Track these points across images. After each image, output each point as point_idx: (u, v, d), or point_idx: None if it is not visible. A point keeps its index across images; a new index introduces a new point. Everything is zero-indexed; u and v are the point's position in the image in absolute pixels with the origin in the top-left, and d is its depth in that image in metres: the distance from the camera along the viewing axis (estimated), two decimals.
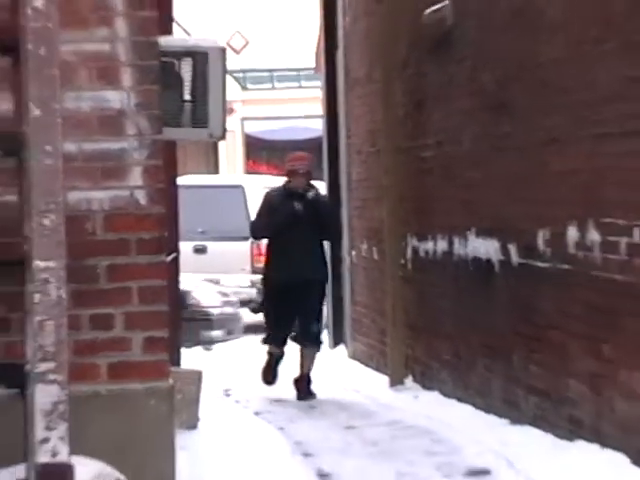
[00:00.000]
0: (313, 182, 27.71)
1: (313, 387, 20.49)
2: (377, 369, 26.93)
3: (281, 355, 20.84)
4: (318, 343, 18.43)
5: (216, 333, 36.26)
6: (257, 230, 22.26)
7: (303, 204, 18.63)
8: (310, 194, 19.69)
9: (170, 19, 14.23)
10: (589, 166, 14.76)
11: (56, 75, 6.78)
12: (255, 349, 30.20)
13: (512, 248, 18.16)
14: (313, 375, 23.88)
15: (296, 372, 21.56)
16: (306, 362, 18.44)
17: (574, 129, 16.23)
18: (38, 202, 6.40)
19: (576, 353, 16.06)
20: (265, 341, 20.01)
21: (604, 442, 12.84)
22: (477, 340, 19.79)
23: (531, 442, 17.36)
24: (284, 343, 20.17)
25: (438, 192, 23.41)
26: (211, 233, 30.53)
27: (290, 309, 18.62)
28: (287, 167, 20.27)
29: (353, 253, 31.25)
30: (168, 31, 13.61)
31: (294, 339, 19.81)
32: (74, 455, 6.04)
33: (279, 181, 38.10)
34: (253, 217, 35.98)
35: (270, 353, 20.05)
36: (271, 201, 19.54)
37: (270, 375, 19.82)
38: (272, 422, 21.05)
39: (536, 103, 18.68)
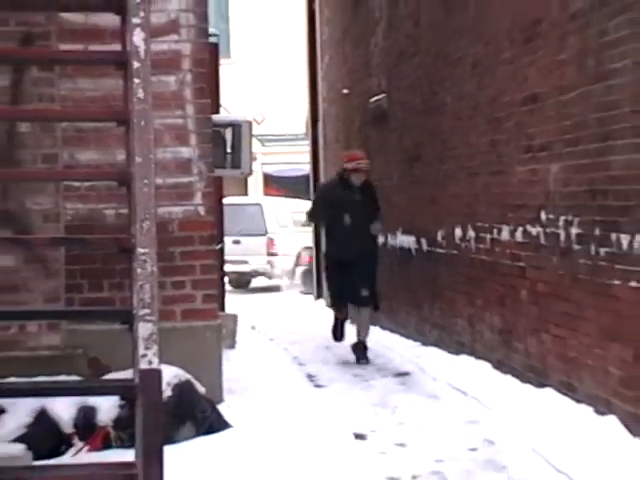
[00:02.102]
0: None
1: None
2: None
3: (344, 317, 17.22)
4: (369, 304, 15.40)
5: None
6: (317, 217, 18.35)
7: (360, 193, 15.77)
8: (365, 184, 16.34)
9: (218, 103, 14.15)
10: (467, 192, 14.98)
11: (151, 138, 6.79)
12: (269, 301, 30.41)
13: (423, 241, 18.16)
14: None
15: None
16: (362, 329, 15.19)
17: (459, 170, 15.70)
18: (140, 213, 6.47)
19: (460, 303, 16.18)
20: (332, 305, 16.67)
21: (477, 355, 12.74)
22: (402, 296, 19.40)
23: (434, 356, 17.06)
24: (345, 305, 16.64)
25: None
26: (242, 232, 30.40)
27: (350, 278, 15.62)
28: (351, 165, 16.22)
29: None
30: (217, 111, 13.59)
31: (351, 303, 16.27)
32: (162, 364, 6.06)
33: (284, 201, 37.21)
34: (270, 226, 35.60)
35: (336, 317, 16.82)
36: (329, 193, 16.64)
37: (339, 334, 16.75)
38: (280, 345, 20.26)
39: (437, 155, 17.59)
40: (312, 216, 18.36)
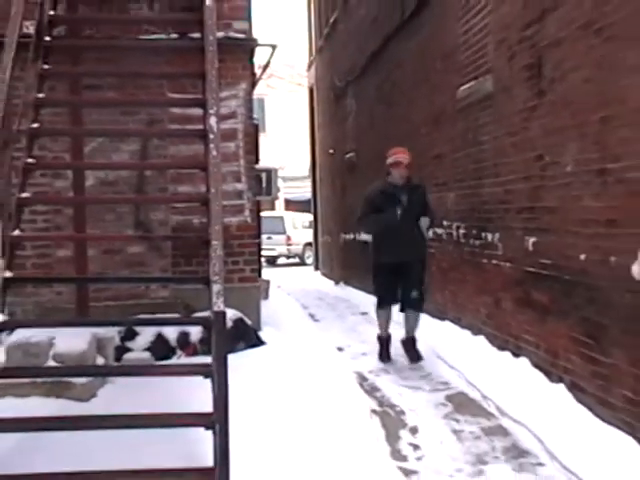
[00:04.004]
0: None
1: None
2: (330, 278, 23.34)
3: (387, 337, 11.66)
4: (419, 307, 11.21)
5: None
6: (368, 226, 12.35)
7: (407, 195, 10.90)
8: (411, 185, 11.26)
9: (258, 158, 13.77)
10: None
11: (220, 178, 6.63)
12: (287, 272, 29.50)
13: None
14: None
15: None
16: (410, 326, 11.02)
17: None
18: (213, 221, 6.35)
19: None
20: (379, 306, 11.83)
21: (455, 322, 11.70)
22: (360, 269, 16.89)
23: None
24: (391, 304, 11.77)
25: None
26: (271, 232, 30.42)
27: (397, 281, 11.32)
28: (390, 160, 11.42)
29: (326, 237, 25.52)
30: (257, 162, 13.26)
31: (400, 307, 11.69)
32: (226, 308, 5.92)
33: (296, 214, 36.88)
34: (288, 228, 35.08)
35: (379, 337, 11.69)
36: (372, 198, 11.32)
37: (385, 355, 11.34)
38: (293, 297, 19.02)
39: None
40: (362, 225, 12.20)
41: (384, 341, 10.92)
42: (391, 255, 10.46)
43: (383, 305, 11.01)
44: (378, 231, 10.80)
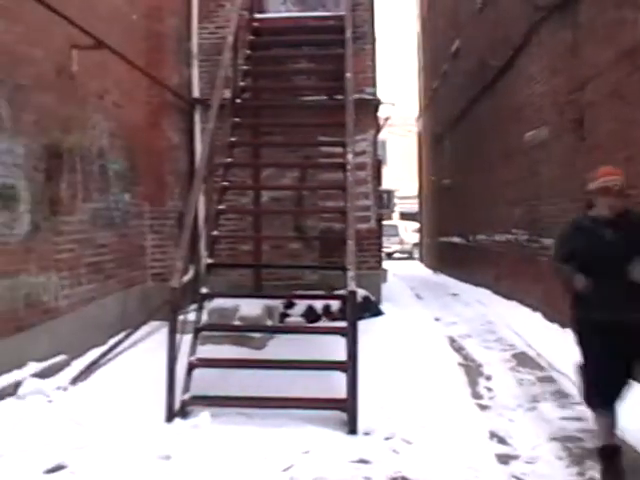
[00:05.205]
0: None
1: None
2: (430, 268, 19.78)
3: (615, 447, 4.37)
4: None
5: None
6: (562, 272, 4.56)
7: (616, 228, 4.24)
8: (629, 217, 4.35)
9: (381, 182, 13.67)
10: (478, 220, 12.91)
11: (354, 196, 6.57)
12: (401, 264, 27.41)
13: (463, 240, 16.69)
14: None
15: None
16: None
17: (477, 213, 15.26)
18: (349, 227, 6.36)
19: (480, 266, 14.24)
20: (587, 402, 4.50)
21: (486, 287, 11.18)
22: (455, 264, 16.02)
23: (468, 288, 15.48)
24: (613, 402, 4.36)
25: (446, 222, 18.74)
26: (389, 234, 29.46)
27: (619, 358, 4.27)
28: (595, 185, 4.41)
29: (427, 239, 22.98)
30: (380, 185, 13.17)
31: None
32: (357, 288, 5.85)
33: (407, 222, 35.91)
34: (401, 233, 34.30)
35: (602, 449, 4.36)
36: (569, 236, 4.55)
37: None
38: (404, 281, 17.43)
39: (468, 206, 15.68)
40: (555, 274, 4.79)
41: (609, 454, 4.54)
42: (599, 311, 4.34)
43: (599, 404, 4.56)
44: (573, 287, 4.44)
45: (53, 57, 7.42)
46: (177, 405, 5.79)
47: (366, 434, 5.47)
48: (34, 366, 6.57)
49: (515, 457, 5.07)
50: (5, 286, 6.36)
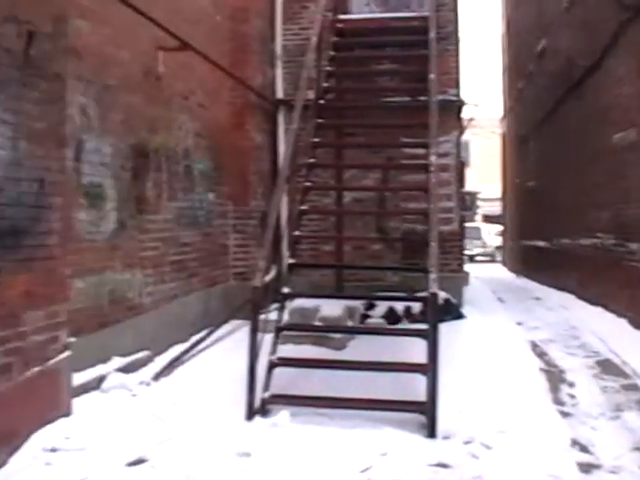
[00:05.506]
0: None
1: None
2: (513, 272, 19.53)
3: None
4: None
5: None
6: None
7: None
8: None
9: (464, 184, 13.64)
10: (562, 224, 12.68)
11: (437, 198, 6.51)
12: (483, 266, 26.87)
13: (547, 244, 16.24)
14: None
15: None
16: None
17: (561, 216, 14.98)
18: (432, 228, 6.29)
19: (567, 270, 13.91)
20: None
21: (569, 291, 11.17)
22: (534, 266, 16.08)
23: (551, 292, 15.11)
24: None
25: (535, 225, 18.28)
26: (472, 237, 29.03)
27: None
28: None
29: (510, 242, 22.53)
30: (463, 187, 13.00)
31: None
32: (438, 290, 5.76)
33: (490, 225, 35.17)
34: (484, 235, 33.59)
35: None
36: None
37: None
38: (486, 284, 17.09)
39: (553, 209, 15.41)
40: None
41: None
42: None
43: None
44: None
45: (140, 58, 7.59)
46: (257, 403, 5.83)
47: (445, 438, 5.41)
48: (118, 361, 6.71)
49: (597, 466, 4.94)
50: (91, 283, 6.52)
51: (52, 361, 5.12)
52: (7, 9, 4.54)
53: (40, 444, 4.74)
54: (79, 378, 5.79)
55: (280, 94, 11.41)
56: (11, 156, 4.62)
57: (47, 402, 5.03)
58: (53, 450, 4.74)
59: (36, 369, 4.89)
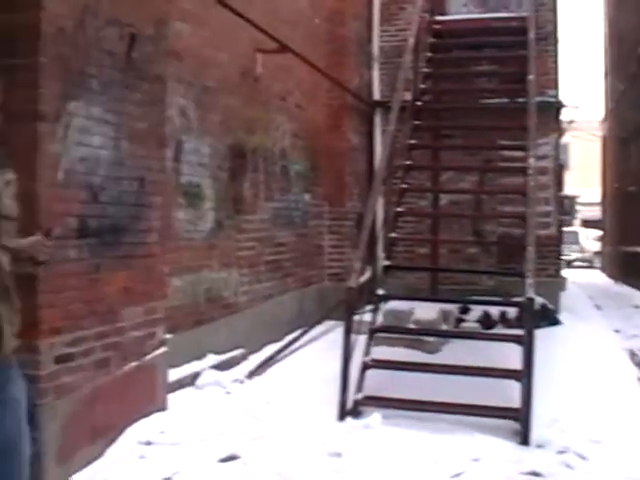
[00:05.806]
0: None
1: None
2: (611, 278, 20.18)
3: None
4: None
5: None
6: None
7: None
8: None
9: (562, 187, 13.25)
10: None
11: (535, 201, 6.38)
12: (580, 272, 25.75)
13: None
14: None
15: None
16: None
17: None
18: (529, 232, 6.20)
19: None
20: None
21: None
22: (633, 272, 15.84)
23: None
24: None
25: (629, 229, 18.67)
26: (570, 242, 27.76)
27: None
28: None
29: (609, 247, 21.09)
30: (562, 190, 12.73)
31: None
32: (535, 296, 5.65)
33: (588, 230, 33.99)
34: (582, 240, 32.40)
35: None
36: None
37: None
38: (583, 289, 16.72)
39: None
40: None
41: None
42: None
43: None
44: None
45: (238, 60, 7.70)
46: (349, 404, 5.85)
47: (539, 446, 5.32)
48: (213, 358, 6.82)
49: None
50: (188, 281, 6.64)
51: (149, 356, 5.20)
52: (110, 12, 4.65)
53: (135, 437, 4.82)
54: (174, 374, 5.88)
55: (377, 96, 11.40)
56: (113, 156, 4.70)
57: (143, 397, 5.11)
58: (148, 444, 4.81)
59: (133, 364, 4.98)
